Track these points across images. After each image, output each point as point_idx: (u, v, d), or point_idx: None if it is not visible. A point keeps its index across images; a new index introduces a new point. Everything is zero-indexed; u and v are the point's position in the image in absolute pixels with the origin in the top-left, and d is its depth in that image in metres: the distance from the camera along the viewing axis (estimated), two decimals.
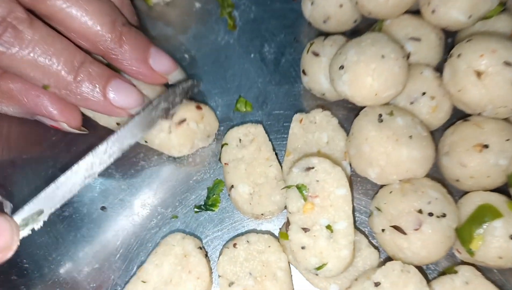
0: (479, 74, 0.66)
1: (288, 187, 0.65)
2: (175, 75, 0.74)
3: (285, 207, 0.67)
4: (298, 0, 0.88)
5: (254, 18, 0.91)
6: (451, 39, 0.84)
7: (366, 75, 0.67)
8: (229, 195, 0.75)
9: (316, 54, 0.79)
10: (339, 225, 0.62)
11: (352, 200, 0.65)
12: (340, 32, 0.86)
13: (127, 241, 0.76)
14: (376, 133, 0.68)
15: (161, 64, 0.70)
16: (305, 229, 0.63)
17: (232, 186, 0.73)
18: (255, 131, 0.77)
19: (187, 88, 0.75)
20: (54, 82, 0.64)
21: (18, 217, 0.62)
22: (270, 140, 0.78)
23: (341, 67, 0.69)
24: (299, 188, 0.64)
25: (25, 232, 0.63)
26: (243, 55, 0.89)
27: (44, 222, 0.75)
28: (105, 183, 0.79)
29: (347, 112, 0.82)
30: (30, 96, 0.68)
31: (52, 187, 0.63)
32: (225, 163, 0.75)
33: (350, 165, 0.73)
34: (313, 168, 0.65)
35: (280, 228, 0.72)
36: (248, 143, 0.76)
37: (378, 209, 0.68)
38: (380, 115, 0.69)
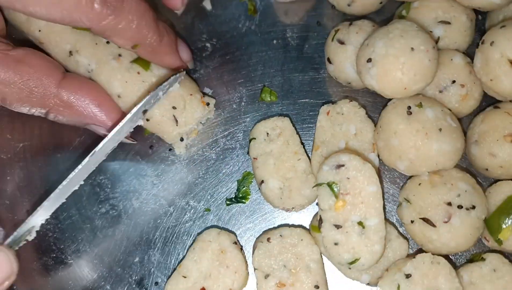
0: None
1: (319, 185, 0.67)
2: (191, 64, 0.82)
3: (316, 203, 0.69)
4: None
5: (275, 1, 0.89)
6: (481, 17, 0.81)
7: (395, 69, 0.66)
8: (259, 189, 0.77)
9: (341, 42, 0.77)
10: (370, 222, 0.64)
11: (383, 196, 0.66)
12: (366, 13, 0.84)
13: (163, 235, 0.80)
14: (405, 127, 0.68)
15: (185, 54, 0.78)
16: (338, 226, 0.65)
17: (262, 181, 0.75)
18: (282, 124, 0.77)
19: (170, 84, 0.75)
20: (143, 41, 0.69)
21: (13, 239, 0.66)
22: (297, 132, 0.79)
23: (369, 60, 0.68)
24: (330, 186, 0.66)
25: (21, 243, 0.67)
26: (266, 42, 0.87)
27: (83, 217, 0.80)
28: (138, 179, 0.82)
29: (374, 100, 0.81)
30: (90, 106, 0.71)
31: (42, 207, 0.67)
32: (254, 158, 0.77)
33: (379, 156, 0.74)
34: (343, 165, 0.66)
35: (311, 221, 0.75)
36: (276, 137, 0.77)
37: (407, 201, 0.69)
38: (409, 107, 0.69)
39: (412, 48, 0.66)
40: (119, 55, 0.76)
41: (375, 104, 0.81)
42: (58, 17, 0.62)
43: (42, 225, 0.70)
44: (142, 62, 0.76)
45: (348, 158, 0.66)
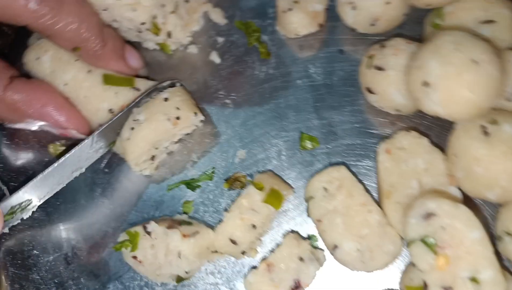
0: None
1: (411, 242, 0.57)
2: (143, 72, 0.79)
3: (411, 263, 0.59)
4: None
5: (287, 37, 0.81)
6: None
7: (461, 89, 0.57)
8: (332, 254, 0.67)
9: (380, 68, 0.69)
10: (485, 274, 0.54)
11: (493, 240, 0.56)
12: (390, 30, 0.76)
13: None
14: (487, 151, 0.59)
15: (135, 61, 0.77)
16: (448, 288, 0.55)
17: (336, 246, 0.65)
18: (339, 175, 0.68)
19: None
20: (84, 44, 0.69)
21: (6, 205, 0.65)
22: (359, 180, 0.69)
23: (426, 84, 0.59)
24: (424, 241, 0.56)
25: (14, 221, 0.69)
26: (289, 84, 0.79)
27: None
28: None
29: (429, 122, 0.73)
30: (35, 107, 0.70)
31: (39, 177, 0.67)
32: (318, 220, 0.67)
33: (459, 188, 0.64)
34: (433, 214, 0.56)
35: (402, 281, 0.64)
36: (336, 190, 0.67)
37: (509, 234, 0.60)
38: (483, 127, 0.60)
39: (474, 61, 0.57)
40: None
41: (430, 127, 0.72)
42: None
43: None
44: None
45: (436, 203, 0.56)
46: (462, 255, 0.55)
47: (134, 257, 0.68)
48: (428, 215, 0.56)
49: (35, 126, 0.75)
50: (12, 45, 0.82)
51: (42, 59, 0.73)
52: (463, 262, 0.55)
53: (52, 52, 0.73)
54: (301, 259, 0.65)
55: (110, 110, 0.72)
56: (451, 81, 0.57)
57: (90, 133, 0.74)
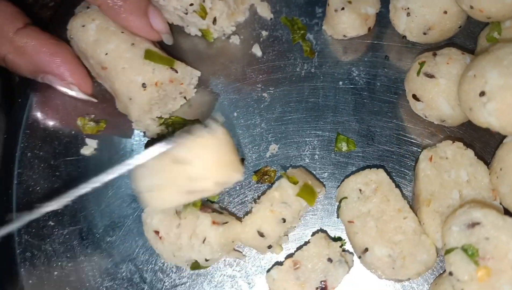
0: None
1: (450, 250, 0.54)
2: (167, 38, 0.77)
3: (449, 272, 0.56)
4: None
5: (332, 38, 0.80)
6: None
7: None
8: (360, 258, 0.64)
9: (430, 76, 0.67)
10: None
11: None
12: (442, 40, 0.75)
13: None
14: None
15: (158, 22, 0.74)
16: None
17: (367, 249, 0.62)
18: (376, 178, 0.66)
19: None
20: None
21: None
22: (397, 185, 0.67)
23: (482, 94, 0.58)
24: (466, 250, 0.53)
25: None
26: (331, 85, 0.78)
27: None
28: None
29: (472, 136, 0.71)
30: (43, 54, 0.71)
31: None
32: (349, 221, 0.65)
33: (501, 203, 0.62)
34: (478, 223, 0.54)
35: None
36: (372, 193, 0.65)
37: None
38: None
39: None
40: None
41: (471, 141, 0.70)
42: None
43: None
44: None
45: (483, 213, 0.54)
46: (504, 269, 0.52)
47: (156, 232, 0.66)
48: (473, 224, 0.54)
49: (38, 77, 0.74)
50: (57, 13, 0.83)
51: (88, 27, 0.73)
52: (505, 276, 0.52)
53: (99, 22, 0.73)
54: (330, 260, 0.62)
55: (143, 85, 0.71)
56: (511, 92, 0.56)
57: (90, 94, 0.76)
